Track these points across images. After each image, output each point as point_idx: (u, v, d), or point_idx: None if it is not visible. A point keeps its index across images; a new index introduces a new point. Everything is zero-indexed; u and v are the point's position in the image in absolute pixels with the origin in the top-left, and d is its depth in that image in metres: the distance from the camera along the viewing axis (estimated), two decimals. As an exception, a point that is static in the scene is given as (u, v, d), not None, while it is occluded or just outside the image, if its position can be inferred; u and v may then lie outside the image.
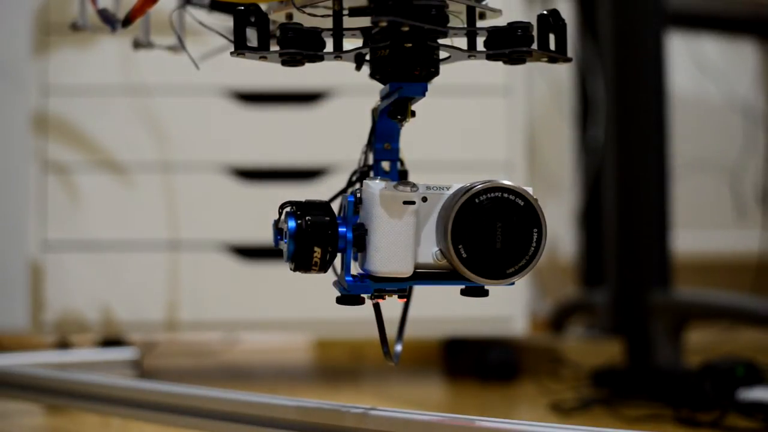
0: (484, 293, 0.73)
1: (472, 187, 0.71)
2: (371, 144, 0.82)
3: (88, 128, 1.66)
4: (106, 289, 1.64)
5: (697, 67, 2.68)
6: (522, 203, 0.71)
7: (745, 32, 2.69)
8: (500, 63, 0.74)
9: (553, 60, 0.73)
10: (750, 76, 2.76)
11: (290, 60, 0.73)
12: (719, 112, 2.71)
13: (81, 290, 1.64)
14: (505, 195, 0.71)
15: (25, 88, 1.67)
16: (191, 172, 1.67)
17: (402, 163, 0.84)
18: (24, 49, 1.74)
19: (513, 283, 0.72)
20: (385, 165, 0.81)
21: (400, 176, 0.83)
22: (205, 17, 0.98)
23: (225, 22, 0.94)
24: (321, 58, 0.74)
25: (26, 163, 1.67)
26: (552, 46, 0.73)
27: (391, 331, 0.80)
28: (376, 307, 0.78)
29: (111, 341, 1.67)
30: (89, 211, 1.65)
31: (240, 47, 0.72)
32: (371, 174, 0.82)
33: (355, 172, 0.84)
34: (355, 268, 0.74)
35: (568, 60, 0.73)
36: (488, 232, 0.71)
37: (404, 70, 0.74)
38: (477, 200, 0.71)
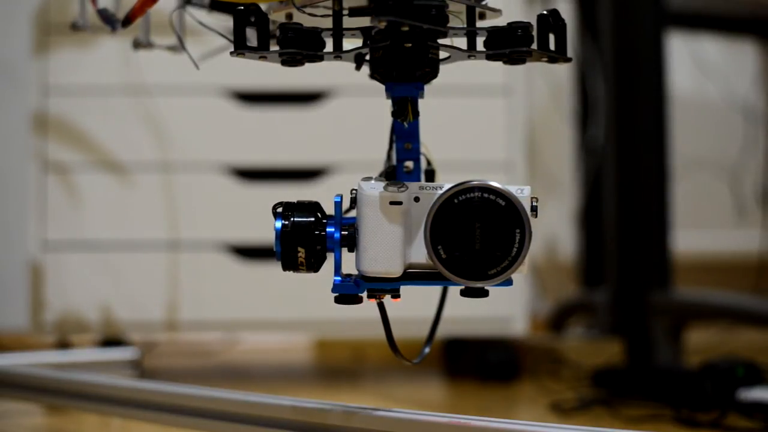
0: (484, 294, 0.72)
1: (452, 188, 0.70)
2: (392, 144, 0.82)
3: (88, 128, 1.66)
4: (106, 289, 1.64)
5: (697, 67, 2.68)
6: (503, 203, 0.70)
7: (745, 32, 2.69)
8: (500, 63, 0.74)
9: (553, 60, 0.73)
10: (750, 76, 2.76)
11: (290, 60, 0.73)
12: (719, 112, 2.71)
13: (81, 290, 1.64)
14: (485, 195, 0.70)
15: (25, 88, 1.67)
16: (191, 172, 1.67)
17: (429, 162, 0.84)
18: (24, 49, 1.74)
19: (511, 283, 0.72)
20: (410, 164, 0.80)
21: (427, 175, 0.83)
22: (205, 17, 0.98)
23: (225, 22, 0.95)
24: (321, 58, 0.74)
25: (26, 163, 1.67)
26: (552, 46, 0.73)
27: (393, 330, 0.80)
28: (380, 306, 0.78)
29: (111, 341, 1.67)
30: (89, 211, 1.65)
31: (240, 47, 0.72)
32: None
33: (381, 174, 0.84)
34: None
35: (568, 60, 0.73)
36: (466, 232, 0.70)
37: (398, 70, 0.74)
38: (455, 200, 0.70)
